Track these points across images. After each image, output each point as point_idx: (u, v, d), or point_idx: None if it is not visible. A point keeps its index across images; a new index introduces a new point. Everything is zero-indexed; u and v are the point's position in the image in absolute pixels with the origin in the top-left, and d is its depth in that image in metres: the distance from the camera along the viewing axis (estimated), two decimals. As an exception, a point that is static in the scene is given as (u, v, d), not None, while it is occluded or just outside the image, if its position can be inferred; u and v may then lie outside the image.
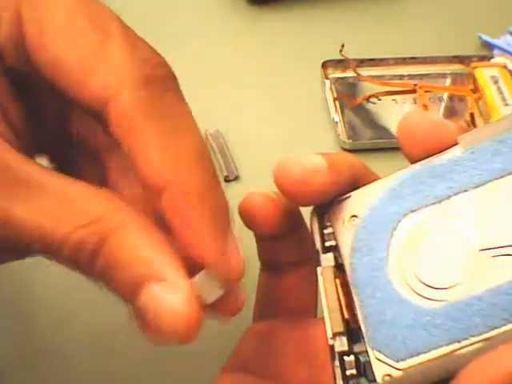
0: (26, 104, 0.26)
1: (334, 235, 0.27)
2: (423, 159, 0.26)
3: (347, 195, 0.27)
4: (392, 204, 0.26)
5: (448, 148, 0.26)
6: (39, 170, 0.24)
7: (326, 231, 0.27)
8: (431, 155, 0.26)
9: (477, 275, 0.23)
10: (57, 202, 0.24)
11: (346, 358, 0.25)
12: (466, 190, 0.25)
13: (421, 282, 0.24)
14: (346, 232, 0.26)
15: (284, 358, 0.29)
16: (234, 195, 0.44)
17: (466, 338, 0.23)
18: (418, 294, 0.24)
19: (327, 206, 0.27)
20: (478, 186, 0.25)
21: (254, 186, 0.45)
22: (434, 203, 0.25)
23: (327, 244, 0.27)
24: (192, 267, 0.24)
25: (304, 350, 0.29)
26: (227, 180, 0.45)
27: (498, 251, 0.24)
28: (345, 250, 0.26)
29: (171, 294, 0.23)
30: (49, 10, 0.24)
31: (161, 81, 0.24)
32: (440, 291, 0.24)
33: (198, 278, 0.25)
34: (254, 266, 0.41)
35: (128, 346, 0.37)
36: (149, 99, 0.24)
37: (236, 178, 0.45)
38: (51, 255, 0.24)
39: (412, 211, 0.26)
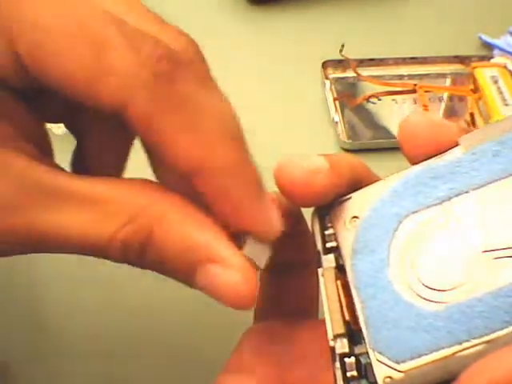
0: (36, 111, 0.26)
1: (335, 236, 0.27)
2: (424, 160, 0.26)
3: (348, 196, 0.27)
4: (393, 205, 0.26)
5: (449, 149, 0.26)
6: (67, 178, 0.25)
7: (327, 232, 0.27)
8: (432, 156, 0.26)
9: (478, 277, 0.23)
10: (92, 206, 0.24)
11: (346, 359, 0.25)
12: (467, 192, 0.25)
13: (422, 283, 0.24)
14: (346, 233, 0.26)
15: (284, 359, 0.29)
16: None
17: (468, 340, 0.22)
18: (419, 295, 0.24)
19: (328, 207, 0.27)
20: (479, 187, 0.25)
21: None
22: (435, 204, 0.25)
23: (328, 245, 0.27)
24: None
25: (304, 350, 0.29)
26: (227, 180, 0.45)
27: (501, 253, 0.23)
28: (346, 251, 0.26)
29: (229, 275, 0.25)
30: (41, 31, 0.24)
31: (167, 74, 0.24)
32: (441, 293, 0.24)
33: (247, 248, 0.25)
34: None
35: (132, 343, 0.37)
36: (161, 96, 0.24)
37: (236, 178, 0.45)
38: (99, 256, 0.25)
39: (413, 212, 0.25)
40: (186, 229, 0.25)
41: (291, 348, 0.29)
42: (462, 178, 0.25)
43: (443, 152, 0.26)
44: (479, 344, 0.22)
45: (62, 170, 0.26)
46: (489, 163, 0.25)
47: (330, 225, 0.27)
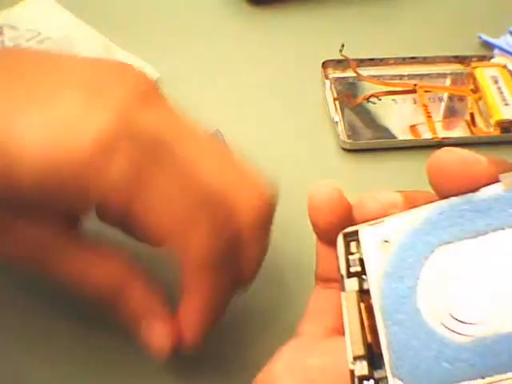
0: None
1: (359, 261, 0.27)
2: (454, 195, 0.26)
3: (380, 220, 0.27)
4: (427, 233, 0.26)
5: (481, 183, 0.26)
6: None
7: (351, 257, 0.27)
8: (462, 191, 0.26)
9: (507, 313, 0.23)
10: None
11: (365, 382, 0.25)
12: (503, 228, 0.25)
13: (450, 314, 0.24)
14: (376, 256, 0.26)
15: (315, 373, 0.29)
16: (234, 195, 0.44)
17: (490, 375, 0.22)
18: (445, 326, 0.24)
19: (354, 233, 0.28)
20: None
21: (254, 186, 0.45)
22: (469, 238, 0.25)
23: (352, 270, 0.27)
24: None
25: (337, 366, 0.28)
26: (227, 180, 0.45)
27: None
28: (373, 275, 0.26)
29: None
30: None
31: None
32: (469, 326, 0.24)
33: None
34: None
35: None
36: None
37: (236, 178, 0.45)
38: None
39: (446, 242, 0.25)
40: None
41: (321, 363, 0.29)
42: (500, 215, 0.25)
43: (476, 186, 0.26)
44: (503, 380, 0.22)
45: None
46: None
47: (354, 250, 0.27)
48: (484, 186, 0.26)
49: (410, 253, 0.26)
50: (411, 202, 0.27)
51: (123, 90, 0.31)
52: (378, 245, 0.26)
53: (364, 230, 0.27)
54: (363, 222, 0.27)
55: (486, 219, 0.25)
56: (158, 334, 0.33)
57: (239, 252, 0.33)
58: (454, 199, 0.26)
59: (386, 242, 0.26)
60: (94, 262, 0.34)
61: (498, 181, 0.26)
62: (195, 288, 0.33)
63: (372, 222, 0.27)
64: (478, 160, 0.26)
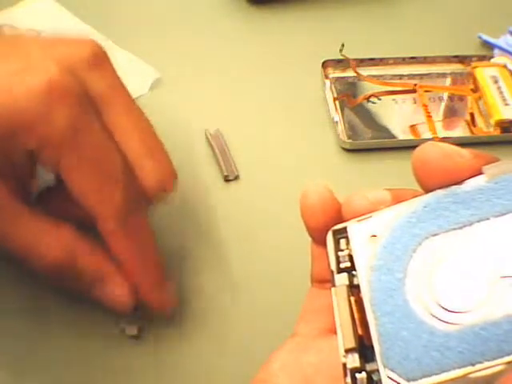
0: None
1: (349, 257, 0.27)
2: (438, 188, 0.27)
3: (368, 215, 0.27)
4: (414, 226, 0.26)
5: (465, 177, 0.26)
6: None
7: (341, 254, 0.28)
8: (446, 185, 0.26)
9: (494, 301, 0.24)
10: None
11: (357, 374, 0.25)
12: (488, 218, 0.25)
13: (438, 304, 0.24)
14: (364, 250, 0.27)
15: (310, 371, 0.29)
16: (234, 195, 0.44)
17: (480, 362, 0.23)
18: (434, 315, 0.24)
19: (343, 229, 0.28)
20: (500, 215, 0.25)
21: (254, 185, 0.45)
22: (455, 228, 0.26)
23: (342, 266, 0.27)
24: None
25: (330, 363, 0.29)
26: (227, 180, 0.45)
27: None
28: (362, 269, 0.26)
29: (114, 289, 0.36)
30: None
31: None
32: (456, 315, 0.24)
33: None
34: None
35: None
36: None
37: (236, 178, 0.45)
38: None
39: (433, 235, 0.26)
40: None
41: (317, 360, 0.29)
42: (484, 205, 0.25)
43: (460, 179, 0.26)
44: (491, 367, 0.22)
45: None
46: (510, 193, 0.25)
47: (344, 247, 0.28)
48: (468, 178, 0.26)
49: (397, 246, 0.26)
50: (399, 199, 0.27)
51: (74, 49, 0.34)
52: (366, 239, 0.27)
53: (352, 226, 0.28)
54: (350, 217, 0.28)
55: (470, 210, 0.26)
56: (117, 291, 0.36)
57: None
58: (438, 192, 0.26)
59: (374, 236, 0.27)
60: (46, 231, 0.35)
61: (481, 173, 0.26)
62: (124, 251, 0.35)
63: (360, 217, 0.27)
64: (460, 153, 0.26)
